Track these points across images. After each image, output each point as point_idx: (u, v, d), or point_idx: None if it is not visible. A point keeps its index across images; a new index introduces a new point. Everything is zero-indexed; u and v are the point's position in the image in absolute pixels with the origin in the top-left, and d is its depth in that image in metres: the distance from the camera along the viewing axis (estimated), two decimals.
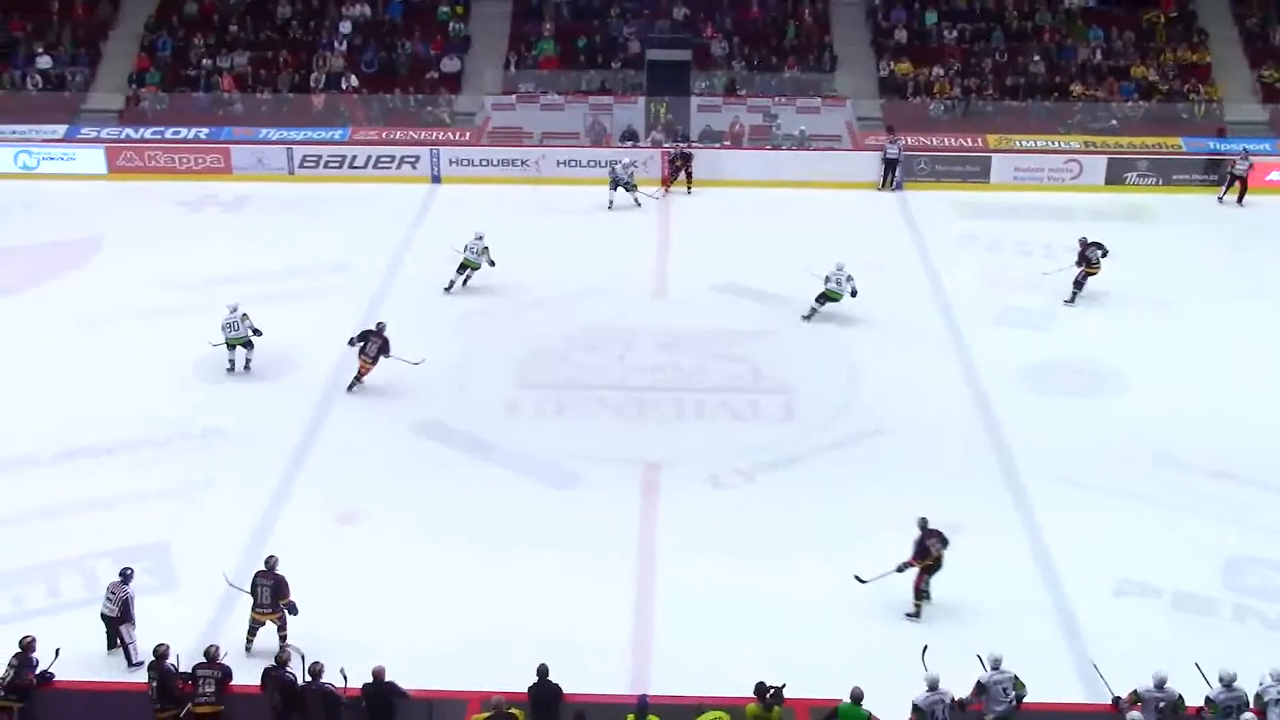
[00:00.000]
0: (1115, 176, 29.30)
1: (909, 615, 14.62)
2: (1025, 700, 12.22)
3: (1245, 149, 28.94)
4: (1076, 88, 31.92)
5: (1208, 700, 12.16)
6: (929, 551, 14.52)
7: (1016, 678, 12.24)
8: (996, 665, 12.30)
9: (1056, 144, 30.31)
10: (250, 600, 13.80)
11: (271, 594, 13.67)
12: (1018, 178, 29.40)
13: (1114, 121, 31.18)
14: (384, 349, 19.41)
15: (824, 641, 13.95)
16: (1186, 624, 14.68)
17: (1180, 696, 12.16)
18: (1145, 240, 26.21)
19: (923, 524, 14.67)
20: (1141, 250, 25.31)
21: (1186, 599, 15.11)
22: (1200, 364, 20.77)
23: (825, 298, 21.98)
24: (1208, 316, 22.52)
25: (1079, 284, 22.95)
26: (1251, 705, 12.16)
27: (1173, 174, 29.26)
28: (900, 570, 14.54)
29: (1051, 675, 13.10)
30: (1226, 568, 15.64)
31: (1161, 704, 12.07)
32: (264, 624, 13.77)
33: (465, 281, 23.20)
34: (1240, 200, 28.24)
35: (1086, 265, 22.92)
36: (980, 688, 12.20)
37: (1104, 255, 22.94)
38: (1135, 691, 12.15)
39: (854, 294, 21.89)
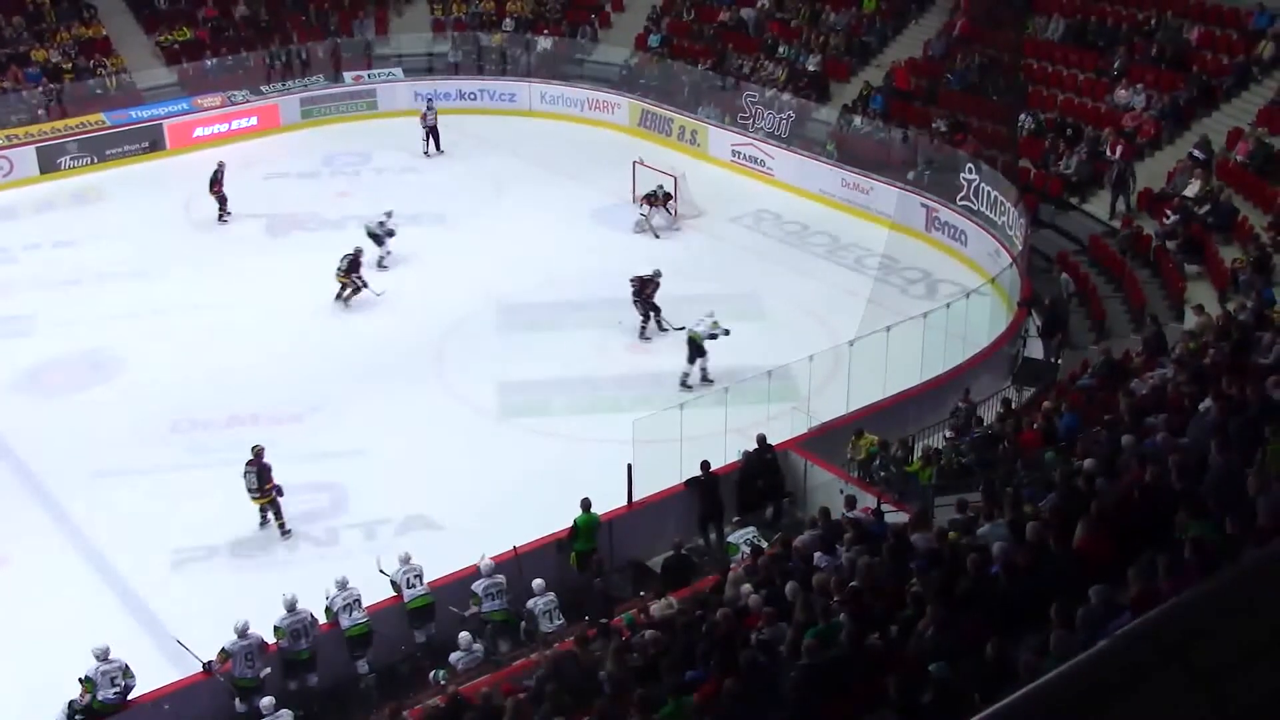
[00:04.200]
0: (49, 164, 28.67)
1: None
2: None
3: (428, 99, 30.55)
4: None
5: (275, 629, 12.96)
6: None
7: (126, 667, 12.20)
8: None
9: None
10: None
11: (257, 479, 15.55)
12: None
13: (42, 111, 30.19)
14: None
15: None
16: (250, 569, 15.46)
17: (277, 626, 12.89)
18: (96, 218, 26.16)
19: None
20: (97, 227, 25.49)
21: (242, 546, 15.87)
22: (186, 326, 21.33)
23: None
24: (174, 279, 23.13)
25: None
26: (324, 620, 13.23)
27: (106, 149, 29.34)
28: None
29: (143, 666, 12.96)
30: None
31: (250, 651, 12.66)
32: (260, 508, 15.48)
33: None
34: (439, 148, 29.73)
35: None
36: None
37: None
38: (223, 649, 12.62)
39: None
